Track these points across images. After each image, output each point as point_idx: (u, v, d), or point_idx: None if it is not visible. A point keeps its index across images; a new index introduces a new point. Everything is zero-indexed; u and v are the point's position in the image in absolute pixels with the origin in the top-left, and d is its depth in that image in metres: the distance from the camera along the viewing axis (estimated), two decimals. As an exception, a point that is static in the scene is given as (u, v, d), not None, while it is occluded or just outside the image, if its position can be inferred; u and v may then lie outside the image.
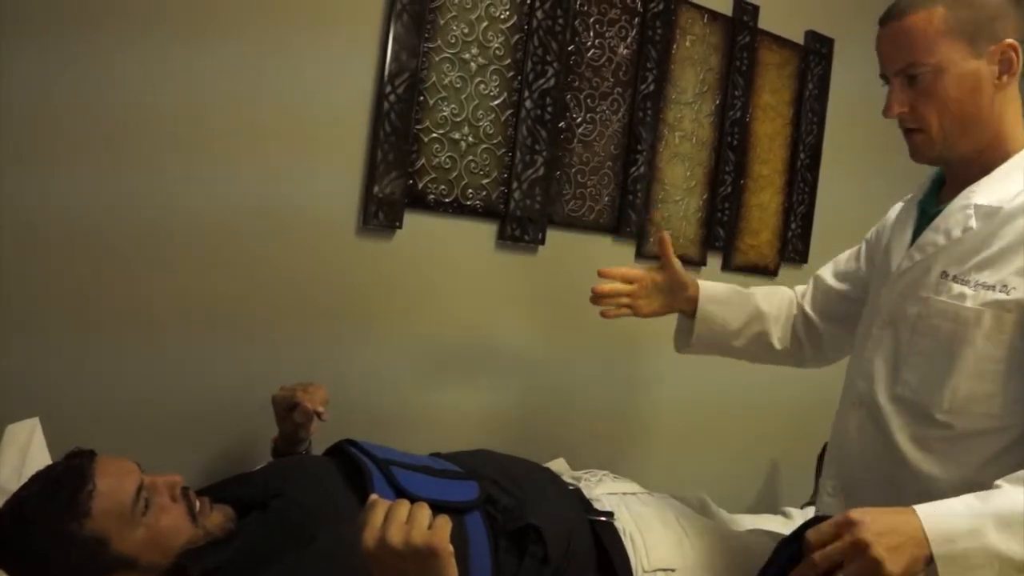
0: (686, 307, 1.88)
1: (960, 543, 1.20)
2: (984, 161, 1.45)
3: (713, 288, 1.88)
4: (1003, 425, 1.38)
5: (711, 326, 1.87)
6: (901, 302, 1.52)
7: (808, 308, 1.88)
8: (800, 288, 1.94)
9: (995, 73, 1.40)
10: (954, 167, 1.51)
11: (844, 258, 1.87)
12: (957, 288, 1.41)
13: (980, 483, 1.31)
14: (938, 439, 1.43)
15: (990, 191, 1.42)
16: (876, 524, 1.20)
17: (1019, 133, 1.45)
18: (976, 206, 1.42)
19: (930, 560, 1.20)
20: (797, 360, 1.94)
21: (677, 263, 1.85)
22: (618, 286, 1.83)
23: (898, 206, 1.69)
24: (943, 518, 1.23)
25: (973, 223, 1.42)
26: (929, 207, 1.55)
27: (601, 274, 1.84)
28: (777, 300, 1.91)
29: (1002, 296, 1.36)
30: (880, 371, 1.53)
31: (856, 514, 1.22)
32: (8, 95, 1.59)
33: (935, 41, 1.39)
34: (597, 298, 1.82)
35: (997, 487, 1.26)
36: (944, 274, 1.44)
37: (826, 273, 1.88)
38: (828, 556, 1.22)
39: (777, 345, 1.89)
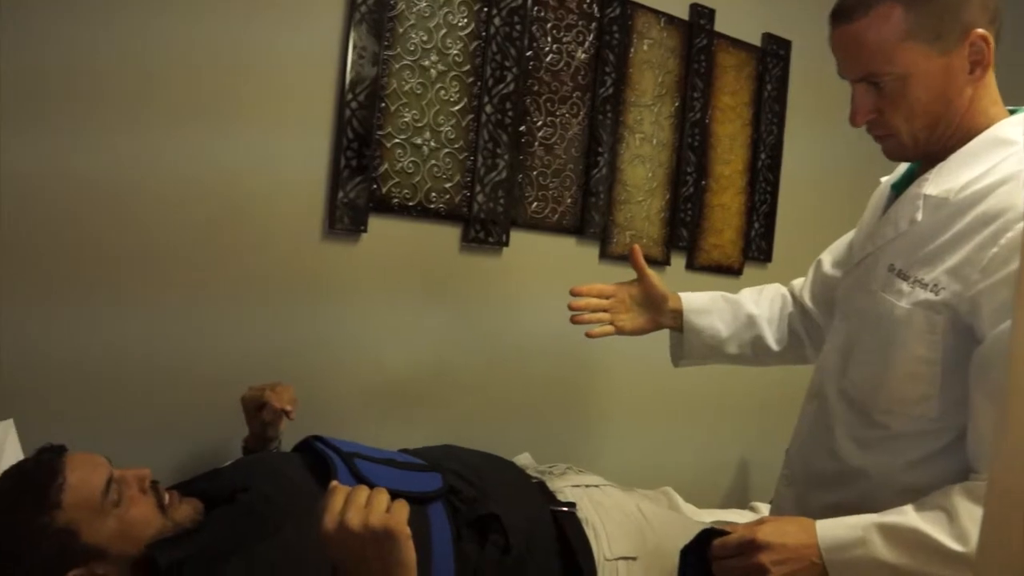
0: (671, 323, 1.85)
1: (848, 552, 1.24)
2: (954, 149, 1.35)
3: (696, 299, 1.84)
4: (938, 427, 1.33)
5: (700, 337, 1.83)
6: (854, 294, 1.48)
7: (807, 301, 1.80)
8: (798, 281, 1.87)
9: (966, 68, 1.30)
10: (927, 159, 1.40)
11: (840, 243, 1.75)
12: (898, 284, 1.34)
13: (915, 484, 1.32)
14: (874, 438, 1.39)
15: (943, 179, 1.34)
16: (778, 551, 1.24)
17: (994, 116, 1.35)
18: (926, 197, 1.35)
19: (825, 573, 1.24)
20: (798, 357, 1.86)
21: (652, 274, 1.83)
22: (593, 301, 1.80)
23: (882, 184, 1.60)
24: (834, 528, 1.26)
25: (919, 215, 1.35)
26: (902, 191, 1.45)
27: (574, 293, 1.80)
28: (767, 300, 1.86)
29: (931, 296, 1.29)
30: (832, 364, 1.49)
31: (760, 535, 1.25)
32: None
33: (895, 48, 1.28)
34: (574, 315, 1.79)
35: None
36: (891, 267, 1.37)
37: (825, 260, 1.78)
38: (729, 572, 1.27)
39: (775, 347, 1.83)
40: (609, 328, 1.81)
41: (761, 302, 1.86)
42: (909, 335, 1.31)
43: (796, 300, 1.85)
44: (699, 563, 1.32)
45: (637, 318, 1.83)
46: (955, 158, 1.34)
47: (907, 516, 1.24)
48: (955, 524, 1.20)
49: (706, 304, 1.84)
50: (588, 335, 1.80)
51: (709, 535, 1.34)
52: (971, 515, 1.20)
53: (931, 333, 1.29)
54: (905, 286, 1.33)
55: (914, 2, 1.27)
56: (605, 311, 1.80)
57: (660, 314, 1.84)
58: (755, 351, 1.85)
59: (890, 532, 1.24)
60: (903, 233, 1.38)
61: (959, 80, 1.31)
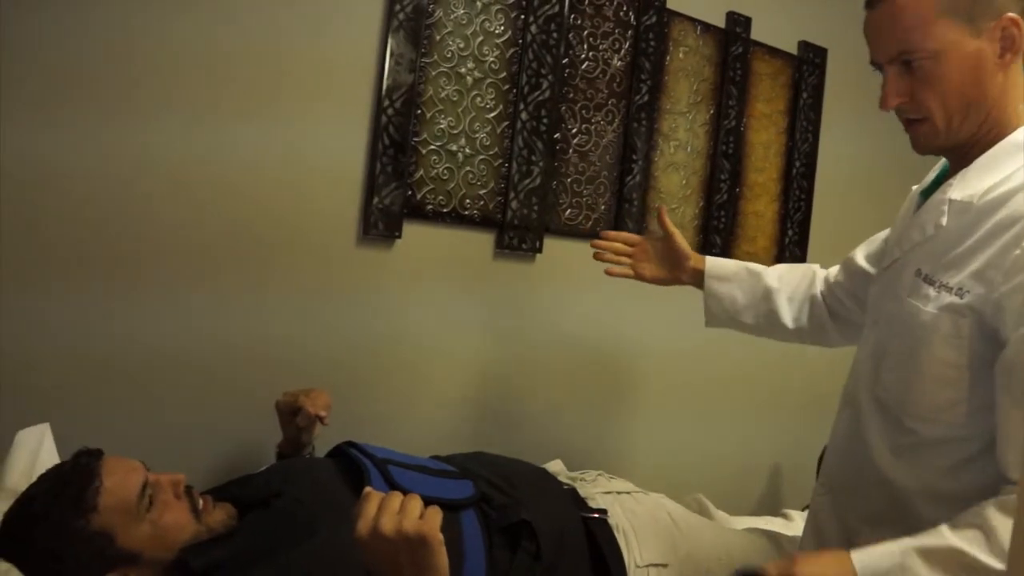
0: (691, 281, 1.92)
1: None
2: (984, 146, 1.34)
3: (721, 265, 1.90)
4: (967, 435, 1.30)
5: (721, 303, 1.88)
6: (883, 299, 1.46)
7: (836, 288, 1.80)
8: (834, 269, 1.85)
9: (997, 52, 1.28)
10: (956, 154, 1.39)
11: (877, 238, 1.73)
12: (924, 288, 1.33)
13: (948, 491, 1.30)
14: (906, 445, 1.37)
15: (967, 184, 1.33)
16: None
17: (1021, 115, 1.33)
18: (951, 201, 1.34)
19: None
20: (819, 339, 1.87)
21: (677, 233, 1.92)
22: (616, 245, 1.93)
23: (912, 192, 1.57)
24: (872, 559, 1.23)
25: (944, 220, 1.34)
26: (930, 197, 1.43)
27: (602, 235, 1.94)
28: (795, 278, 1.87)
29: (956, 300, 1.27)
30: (865, 371, 1.47)
31: (801, 569, 1.23)
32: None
33: (931, 24, 1.27)
34: (598, 252, 1.92)
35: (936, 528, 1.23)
36: (918, 272, 1.35)
37: (858, 253, 1.76)
38: None
39: (790, 324, 1.85)
40: (628, 271, 1.93)
41: (785, 277, 1.88)
42: (936, 339, 1.30)
43: (827, 283, 1.85)
44: None
45: (657, 269, 1.94)
46: (979, 163, 1.33)
47: (944, 538, 1.21)
48: (992, 542, 1.18)
49: (729, 272, 1.89)
50: (607, 272, 1.92)
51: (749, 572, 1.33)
52: (1008, 530, 1.16)
53: (957, 337, 1.27)
54: (931, 291, 1.31)
55: None
56: (629, 256, 1.94)
57: (681, 270, 1.92)
58: (770, 324, 1.87)
59: (929, 555, 1.21)
60: (930, 238, 1.37)
61: (990, 64, 1.29)
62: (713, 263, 1.90)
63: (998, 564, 1.17)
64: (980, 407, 1.28)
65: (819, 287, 1.85)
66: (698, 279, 1.91)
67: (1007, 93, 1.32)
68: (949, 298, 1.28)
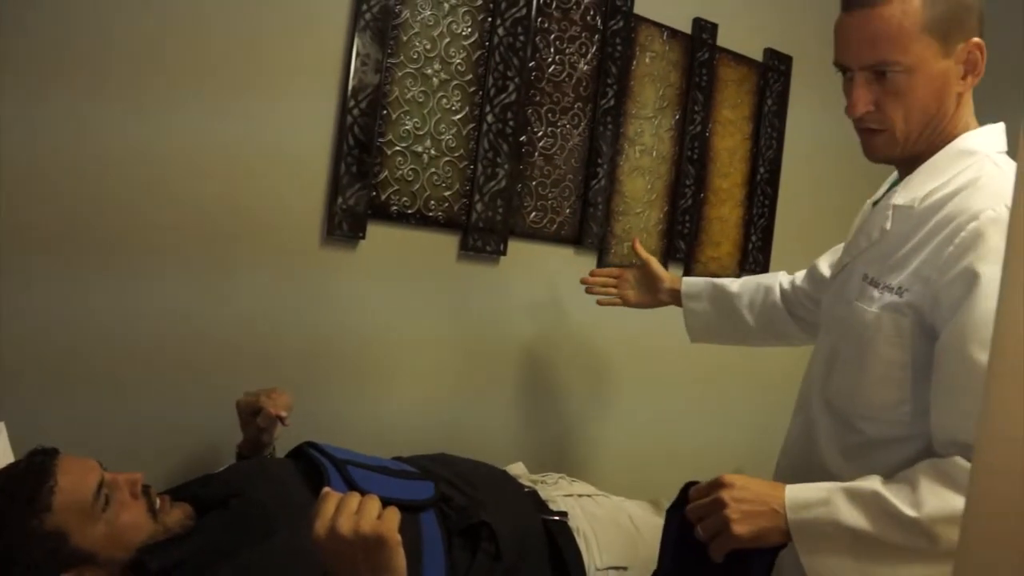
0: (670, 300, 2.08)
1: (811, 511, 1.26)
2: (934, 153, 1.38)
3: (693, 283, 2.06)
4: (911, 433, 1.34)
5: (696, 317, 2.04)
6: (834, 305, 1.50)
7: (799, 291, 1.88)
8: (800, 272, 1.92)
9: (960, 73, 1.33)
10: (906, 165, 1.42)
11: (839, 248, 1.74)
12: (870, 291, 1.37)
13: None
14: (854, 445, 1.41)
15: (910, 189, 1.38)
16: (741, 490, 1.27)
17: (966, 128, 1.38)
18: (894, 207, 1.39)
19: (787, 533, 1.27)
20: (782, 335, 1.95)
21: (653, 260, 2.10)
22: (603, 279, 2.13)
23: (866, 204, 1.60)
24: (802, 490, 1.29)
25: (888, 224, 1.39)
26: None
27: (591, 273, 2.15)
28: (752, 282, 1.99)
29: (897, 299, 1.32)
30: (817, 375, 1.51)
31: (728, 477, 1.29)
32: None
33: (912, 38, 1.29)
34: (589, 288, 2.12)
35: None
36: (865, 276, 1.40)
37: (821, 261, 1.83)
38: (695, 509, 1.30)
39: (752, 322, 1.96)
40: (616, 299, 2.12)
41: (747, 284, 2.00)
42: (879, 339, 1.34)
43: (792, 285, 1.93)
44: (681, 518, 1.34)
45: (639, 294, 2.12)
46: (923, 169, 1.38)
47: (871, 483, 1.27)
48: (915, 493, 1.23)
49: (699, 289, 2.04)
50: (599, 303, 2.13)
51: (689, 486, 1.36)
52: (931, 488, 1.23)
53: (898, 336, 1.32)
54: (876, 292, 1.36)
55: None
56: (614, 287, 2.13)
57: (659, 292, 2.09)
58: (735, 327, 2.00)
59: (854, 495, 1.26)
60: (875, 242, 1.42)
61: (953, 84, 1.33)
62: (687, 283, 2.06)
63: (912, 512, 1.22)
64: (924, 407, 1.32)
65: (779, 287, 1.94)
66: (676, 298, 2.06)
67: (959, 111, 1.37)
68: (890, 297, 1.33)
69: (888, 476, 1.31)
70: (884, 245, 1.40)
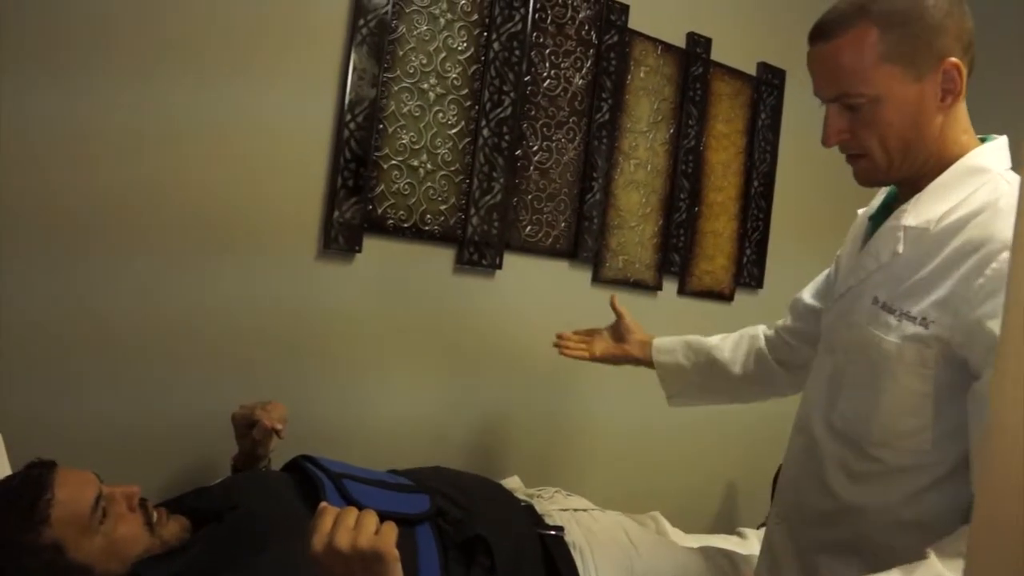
0: (639, 352, 2.04)
1: None
2: (931, 176, 1.34)
3: (664, 340, 2.02)
4: (934, 460, 1.29)
5: (668, 372, 1.99)
6: (838, 327, 1.45)
7: (784, 333, 1.83)
8: (778, 321, 1.87)
9: (938, 95, 1.29)
10: (904, 185, 1.39)
11: (822, 276, 1.76)
12: (884, 317, 1.32)
13: (912, 518, 1.30)
14: (868, 472, 1.36)
15: (921, 210, 1.32)
16: None
17: (965, 144, 1.34)
18: (906, 228, 1.33)
19: None
20: (769, 386, 1.89)
21: (627, 312, 2.08)
22: (575, 338, 2.09)
23: (859, 216, 1.58)
24: None
25: (900, 247, 1.34)
26: (880, 222, 1.43)
27: (562, 336, 2.09)
28: (734, 336, 1.93)
29: (921, 330, 1.27)
30: (819, 398, 1.46)
31: None
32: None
33: (872, 69, 1.27)
34: (563, 351, 2.07)
35: (925, 556, 1.17)
36: (875, 300, 1.35)
37: (804, 294, 1.78)
38: None
39: (737, 371, 1.88)
40: (584, 352, 2.07)
41: (728, 338, 1.95)
42: (900, 369, 1.29)
43: (775, 331, 1.87)
44: None
45: (606, 346, 2.08)
46: (932, 188, 1.33)
47: None
48: None
49: (672, 345, 2.00)
50: (562, 354, 2.08)
51: None
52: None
53: (923, 367, 1.27)
54: (892, 319, 1.31)
55: (890, 25, 1.26)
56: (583, 345, 2.09)
57: (627, 343, 2.06)
58: (716, 378, 1.93)
59: None
60: (885, 265, 1.37)
61: (930, 107, 1.30)
62: (659, 339, 2.03)
63: None
64: (946, 432, 1.28)
65: (763, 336, 1.89)
66: (646, 351, 2.03)
67: (946, 131, 1.33)
68: (913, 328, 1.28)
69: (907, 502, 1.29)
70: (896, 268, 1.35)
